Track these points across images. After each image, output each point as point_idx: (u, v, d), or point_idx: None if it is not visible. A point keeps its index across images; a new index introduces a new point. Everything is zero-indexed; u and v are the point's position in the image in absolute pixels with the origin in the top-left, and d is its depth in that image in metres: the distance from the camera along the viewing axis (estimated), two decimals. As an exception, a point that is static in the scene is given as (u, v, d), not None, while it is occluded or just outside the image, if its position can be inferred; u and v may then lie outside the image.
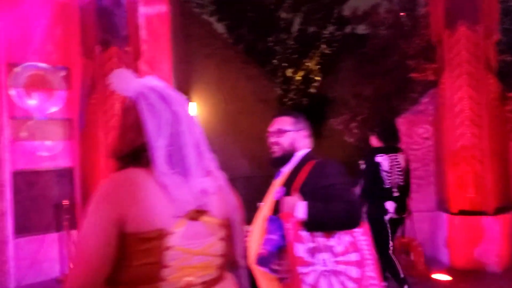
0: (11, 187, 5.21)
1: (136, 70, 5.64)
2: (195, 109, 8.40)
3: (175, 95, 1.49)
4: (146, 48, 5.77)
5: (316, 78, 10.02)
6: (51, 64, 5.60)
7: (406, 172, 4.32)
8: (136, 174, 1.38)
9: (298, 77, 10.31)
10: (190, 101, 8.08)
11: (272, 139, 2.34)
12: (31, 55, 5.46)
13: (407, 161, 4.43)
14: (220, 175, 1.52)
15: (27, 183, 5.44)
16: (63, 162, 5.70)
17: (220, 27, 9.98)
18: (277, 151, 2.31)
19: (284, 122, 2.34)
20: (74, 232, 5.60)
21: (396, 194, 4.16)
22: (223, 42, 10.41)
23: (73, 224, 5.61)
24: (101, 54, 5.33)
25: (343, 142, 7.44)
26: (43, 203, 5.54)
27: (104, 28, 5.26)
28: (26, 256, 5.33)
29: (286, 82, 10.21)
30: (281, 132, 2.31)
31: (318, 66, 10.06)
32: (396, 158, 4.24)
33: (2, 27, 5.12)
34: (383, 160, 4.18)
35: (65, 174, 5.72)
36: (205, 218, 1.43)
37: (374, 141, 4.38)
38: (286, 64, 10.33)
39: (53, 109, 5.64)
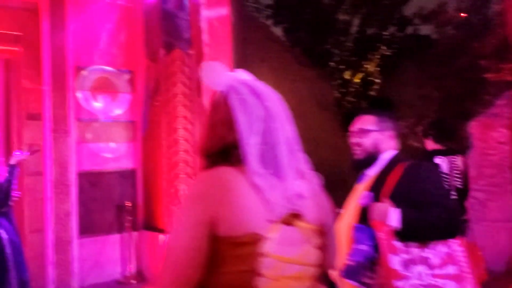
0: (76, 188, 5.31)
1: (198, 73, 5.62)
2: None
3: (268, 91, 1.38)
4: (207, 51, 5.74)
5: (376, 80, 9.71)
6: (116, 68, 5.69)
7: (465, 175, 4.04)
8: (228, 173, 1.28)
9: (356, 79, 10.03)
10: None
11: (353, 140, 2.17)
12: (97, 59, 5.57)
13: (466, 164, 4.13)
14: (314, 177, 1.39)
15: (91, 184, 5.53)
16: (126, 164, 5.77)
17: (277, 30, 9.87)
18: (358, 153, 2.14)
19: (367, 121, 2.16)
20: (135, 234, 5.65)
21: (453, 198, 3.88)
22: (280, 45, 10.26)
23: (135, 226, 5.66)
24: (165, 57, 5.35)
25: (408, 146, 7.11)
26: (106, 204, 5.62)
27: (168, 31, 5.27)
28: (89, 257, 5.41)
29: (344, 84, 9.95)
30: (363, 132, 2.13)
31: (378, 68, 9.74)
32: (455, 161, 3.96)
33: (71, 32, 5.24)
34: (442, 162, 3.91)
35: (128, 176, 5.78)
36: (300, 224, 1.31)
37: (430, 144, 4.11)
38: (344, 67, 10.08)
39: (118, 111, 5.71)
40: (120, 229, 5.65)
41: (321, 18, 9.90)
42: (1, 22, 4.98)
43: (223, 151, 1.32)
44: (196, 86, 5.53)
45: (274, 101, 1.37)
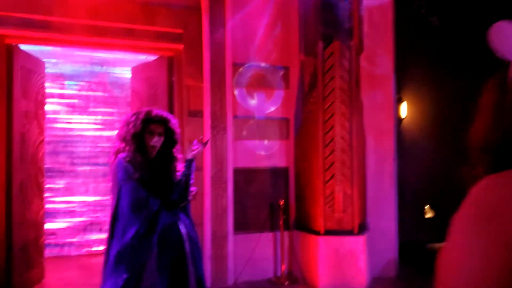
0: (231, 184, 5.32)
1: (357, 67, 5.29)
2: (405, 109, 7.71)
3: None
4: (367, 42, 5.38)
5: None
6: (271, 64, 5.60)
7: None
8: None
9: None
10: (400, 101, 7.43)
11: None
12: (253, 55, 5.53)
13: None
14: None
15: (245, 181, 5.51)
16: (279, 162, 5.66)
17: (435, 21, 9.08)
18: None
19: None
20: (287, 234, 5.51)
21: None
22: (438, 37, 9.38)
23: (287, 225, 5.52)
24: (322, 50, 5.11)
25: None
26: (260, 202, 5.56)
27: (327, 22, 5.02)
28: (243, 253, 5.38)
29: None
30: None
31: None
32: None
33: (229, 29, 5.26)
34: None
35: (280, 174, 5.67)
36: None
37: None
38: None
39: (272, 108, 5.62)
40: (273, 228, 5.56)
41: (482, 7, 8.90)
42: (165, 21, 5.17)
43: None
44: (355, 81, 5.20)
45: None
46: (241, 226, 5.42)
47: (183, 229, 2.86)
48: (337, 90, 5.11)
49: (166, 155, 2.97)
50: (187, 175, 2.90)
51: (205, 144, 2.98)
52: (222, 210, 5.27)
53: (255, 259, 5.44)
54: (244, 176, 5.50)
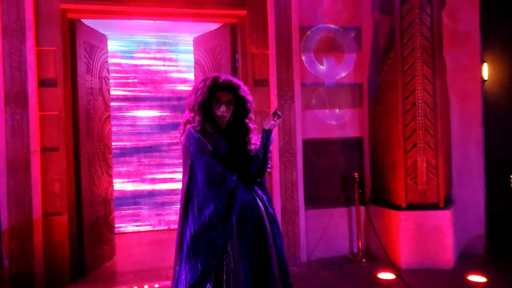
0: (300, 157, 5.00)
1: (439, 23, 4.75)
2: (486, 71, 7.01)
3: None
4: (450, -5, 4.82)
5: None
6: (341, 25, 5.17)
7: None
8: None
9: None
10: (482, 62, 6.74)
11: None
12: (322, 17, 5.11)
13: None
14: None
15: (315, 153, 5.18)
16: (352, 132, 5.27)
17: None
18: None
19: None
20: (362, 208, 5.15)
21: None
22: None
23: (362, 200, 5.15)
24: (400, 6, 4.61)
25: None
26: (331, 175, 5.22)
27: (405, -26, 4.51)
28: (316, 229, 5.10)
29: None
30: None
31: None
32: None
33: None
34: None
35: (354, 144, 5.28)
36: None
37: None
38: None
39: (343, 74, 5.21)
40: (347, 202, 5.22)
41: None
42: (228, -14, 4.85)
43: None
44: (437, 38, 4.68)
45: None
46: (313, 201, 5.12)
47: (261, 206, 2.59)
48: (418, 50, 4.61)
49: (239, 125, 2.69)
50: (265, 147, 2.59)
51: (279, 116, 2.61)
52: (292, 184, 4.98)
53: (329, 235, 5.14)
54: (314, 148, 5.17)
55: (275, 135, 4.86)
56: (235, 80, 2.69)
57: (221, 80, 2.62)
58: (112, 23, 5.95)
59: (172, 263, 2.62)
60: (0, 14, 4.17)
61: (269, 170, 2.64)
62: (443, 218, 4.67)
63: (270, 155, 2.61)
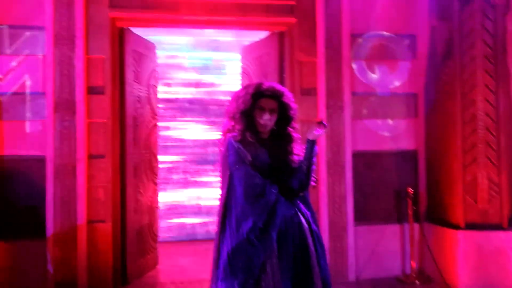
0: (350, 169, 4.77)
1: (503, 29, 4.42)
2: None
3: None
4: (516, -1, 4.46)
5: None
6: (394, 32, 4.92)
7: None
8: None
9: None
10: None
11: None
12: (374, 24, 4.89)
13: None
14: None
15: (366, 165, 4.92)
16: (405, 144, 4.97)
17: None
18: None
19: None
20: (416, 226, 4.83)
21: None
22: None
23: (417, 217, 4.83)
24: (460, 12, 4.32)
25: None
26: (384, 189, 4.94)
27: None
28: (365, 247, 4.82)
29: None
30: None
31: None
32: None
33: (346, -4, 4.69)
34: None
35: (407, 158, 4.98)
36: None
37: None
38: None
39: (396, 83, 4.95)
40: (400, 219, 4.91)
41: None
42: (275, -7, 4.73)
43: None
44: (501, 46, 4.34)
45: None
46: (362, 216, 4.85)
47: (304, 222, 2.41)
48: (479, 58, 4.30)
49: (282, 134, 2.53)
50: (309, 158, 2.42)
51: (325, 126, 2.43)
52: (340, 198, 4.74)
53: (379, 253, 4.84)
54: (365, 160, 4.91)
55: (322, 146, 4.66)
56: (278, 86, 2.55)
57: (264, 87, 2.48)
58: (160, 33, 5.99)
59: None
60: (52, 23, 4.25)
61: (313, 183, 2.46)
62: (507, 240, 4.30)
63: (314, 167, 2.44)
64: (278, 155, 2.45)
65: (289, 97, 2.53)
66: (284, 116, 2.51)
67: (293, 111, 2.53)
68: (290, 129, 2.55)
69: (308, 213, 2.46)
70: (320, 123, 2.40)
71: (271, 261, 2.30)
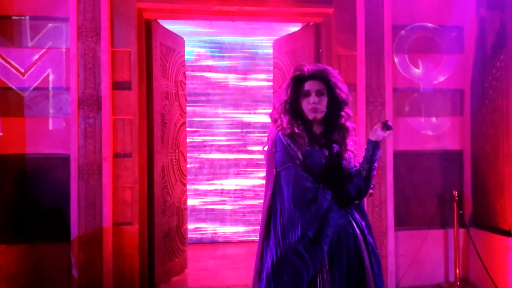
0: (391, 170, 4.45)
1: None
2: None
3: None
4: None
5: None
6: (439, 24, 4.57)
7: None
8: None
9: None
10: None
11: None
12: (418, 15, 4.55)
13: None
14: None
15: (408, 166, 4.60)
16: (450, 144, 4.63)
17: None
18: None
19: None
20: (462, 232, 4.49)
21: None
22: None
23: (462, 221, 4.49)
24: (514, 0, 3.97)
25: None
26: (426, 192, 4.61)
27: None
28: (406, 253, 4.51)
29: None
30: None
31: None
32: None
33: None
34: None
35: (452, 158, 4.64)
36: None
37: None
38: None
39: (441, 78, 4.61)
40: (443, 224, 4.58)
41: None
42: (312, -18, 4.44)
43: None
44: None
45: None
46: (403, 221, 4.54)
47: (359, 233, 2.12)
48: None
49: (335, 125, 2.19)
50: (370, 162, 2.11)
51: (390, 127, 2.10)
52: (381, 201, 4.43)
53: (421, 260, 4.53)
54: (406, 161, 4.59)
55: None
56: (322, 65, 2.24)
57: (306, 69, 2.18)
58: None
59: (247, 281, 2.21)
60: (76, 14, 4.04)
61: (371, 191, 2.17)
62: (561, 248, 3.94)
63: (375, 172, 2.13)
64: (333, 154, 2.15)
65: (336, 76, 2.22)
66: (334, 99, 2.19)
67: (344, 93, 2.21)
68: (343, 116, 2.21)
69: (363, 223, 2.16)
70: (384, 124, 2.10)
71: (321, 277, 2.02)
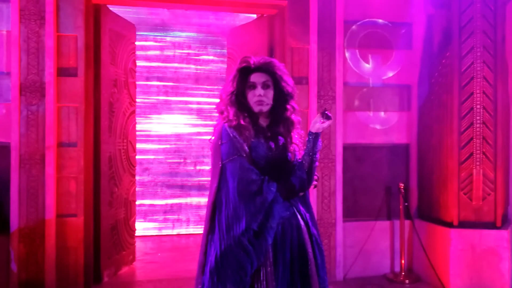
0: (340, 163, 4.52)
1: (503, 20, 4.22)
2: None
3: None
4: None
5: None
6: (390, 20, 4.67)
7: None
8: None
9: None
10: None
11: None
12: (369, 11, 4.63)
13: None
14: None
15: (356, 159, 4.69)
16: (397, 137, 4.75)
17: None
18: None
19: None
20: (407, 223, 4.63)
21: None
22: None
23: (408, 213, 4.62)
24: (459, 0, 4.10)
25: None
26: (374, 184, 4.72)
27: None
28: (354, 244, 4.61)
29: None
30: None
31: None
32: None
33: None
34: None
35: (399, 152, 4.77)
36: None
37: None
38: None
39: (390, 73, 4.71)
40: (390, 216, 4.71)
41: None
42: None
43: None
44: (501, 36, 4.15)
45: None
46: (351, 212, 4.64)
47: (303, 225, 2.13)
48: (478, 48, 4.09)
49: (280, 118, 2.18)
50: (311, 154, 2.12)
51: (330, 117, 2.11)
52: (330, 193, 4.50)
53: (368, 251, 4.64)
54: (355, 154, 4.68)
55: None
56: (268, 58, 2.21)
57: (252, 61, 2.16)
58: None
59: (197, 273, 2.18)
60: (19, -5, 3.84)
61: (315, 183, 2.18)
62: (500, 239, 4.13)
63: (317, 164, 2.14)
64: (279, 147, 2.14)
65: (282, 69, 2.19)
66: (280, 92, 2.17)
67: (289, 86, 2.18)
68: (289, 110, 2.20)
69: (307, 215, 2.17)
70: (323, 114, 2.11)
71: (265, 269, 2.02)
